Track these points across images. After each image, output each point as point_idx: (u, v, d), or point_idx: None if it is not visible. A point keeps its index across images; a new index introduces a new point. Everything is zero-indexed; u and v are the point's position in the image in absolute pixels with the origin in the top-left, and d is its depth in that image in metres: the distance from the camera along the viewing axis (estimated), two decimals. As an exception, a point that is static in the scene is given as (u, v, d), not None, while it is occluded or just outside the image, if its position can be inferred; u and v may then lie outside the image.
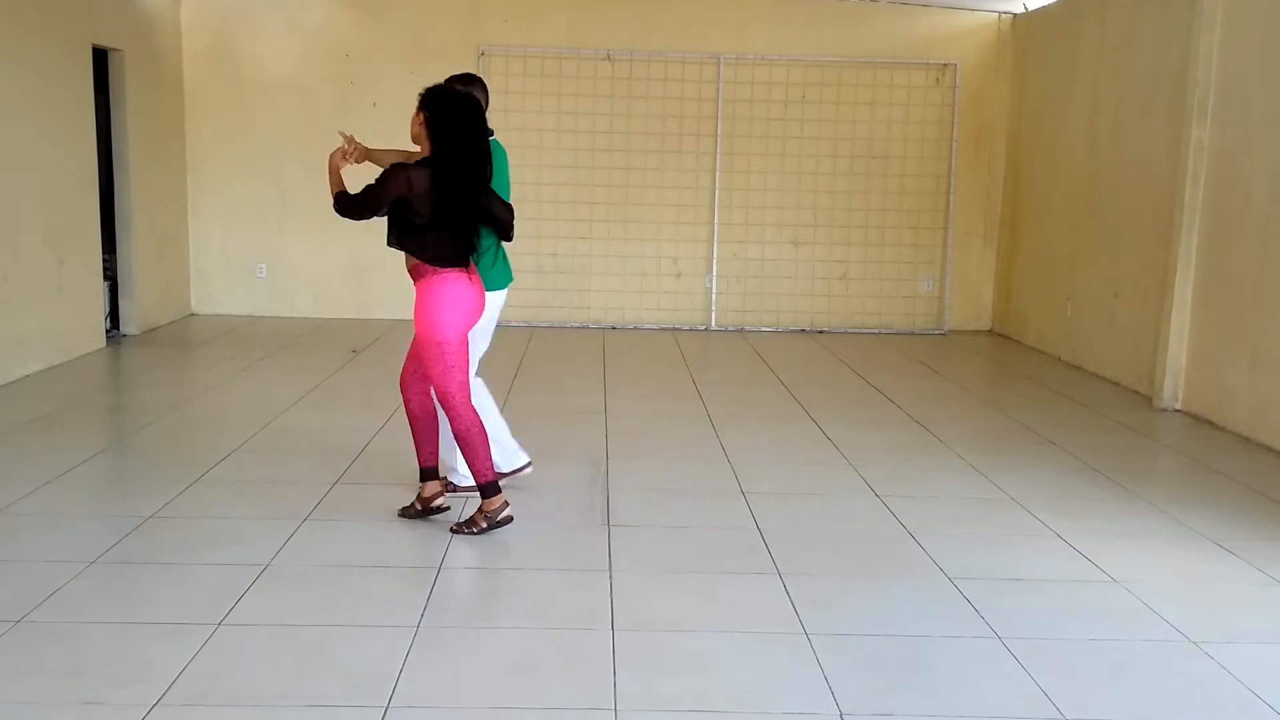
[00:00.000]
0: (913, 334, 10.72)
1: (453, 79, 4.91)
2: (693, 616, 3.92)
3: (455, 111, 4.47)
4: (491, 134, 4.73)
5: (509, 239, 4.84)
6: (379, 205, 4.46)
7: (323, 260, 10.49)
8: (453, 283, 4.51)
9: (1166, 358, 7.46)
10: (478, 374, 5.09)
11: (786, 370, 8.65)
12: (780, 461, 6.01)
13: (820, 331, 10.68)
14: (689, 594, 4.12)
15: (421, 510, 4.84)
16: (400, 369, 4.81)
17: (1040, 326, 9.84)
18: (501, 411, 5.32)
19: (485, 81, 5.11)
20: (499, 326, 5.19)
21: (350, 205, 4.56)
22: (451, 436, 4.85)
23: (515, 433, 5.35)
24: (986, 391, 8.64)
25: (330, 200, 4.62)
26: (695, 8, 10.47)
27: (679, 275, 10.72)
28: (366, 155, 4.78)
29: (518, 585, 4.22)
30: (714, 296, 10.71)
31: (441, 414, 4.79)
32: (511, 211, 4.80)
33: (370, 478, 5.36)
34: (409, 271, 4.59)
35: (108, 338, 8.84)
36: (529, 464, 5.34)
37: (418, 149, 4.60)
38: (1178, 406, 7.47)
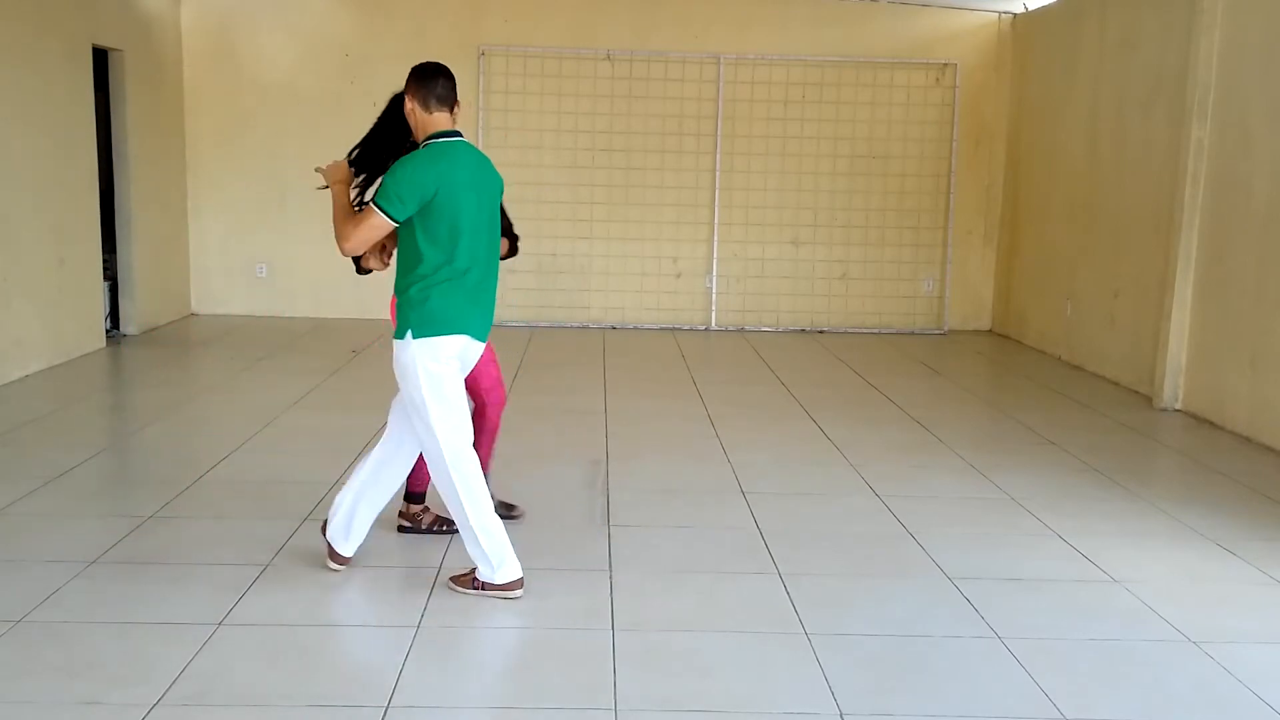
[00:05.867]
0: (913, 334, 10.71)
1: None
2: (693, 616, 3.92)
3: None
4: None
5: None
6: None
7: (323, 260, 10.41)
8: None
9: (1166, 357, 7.46)
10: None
11: (786, 370, 8.65)
12: (780, 461, 6.00)
13: (820, 331, 10.68)
14: (689, 594, 4.12)
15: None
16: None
17: (1040, 326, 9.84)
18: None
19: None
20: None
21: None
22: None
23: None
24: (986, 391, 8.63)
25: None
26: (695, 8, 10.47)
27: (679, 275, 10.72)
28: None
29: (518, 585, 4.21)
30: (714, 296, 10.71)
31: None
32: None
33: (370, 478, 5.36)
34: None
35: (108, 338, 8.84)
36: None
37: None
38: (1178, 406, 7.47)
